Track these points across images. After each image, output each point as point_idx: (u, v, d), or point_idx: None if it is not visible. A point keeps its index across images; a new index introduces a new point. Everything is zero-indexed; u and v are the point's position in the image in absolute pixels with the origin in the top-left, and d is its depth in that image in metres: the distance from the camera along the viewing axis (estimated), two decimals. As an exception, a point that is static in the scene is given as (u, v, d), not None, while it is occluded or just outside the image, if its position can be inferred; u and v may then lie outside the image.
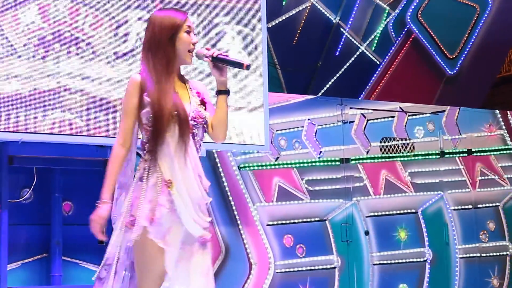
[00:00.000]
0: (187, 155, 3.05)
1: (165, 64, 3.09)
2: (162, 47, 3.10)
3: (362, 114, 6.89)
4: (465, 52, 8.69)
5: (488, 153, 7.58)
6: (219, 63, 3.13)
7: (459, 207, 7.30)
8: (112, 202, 3.08)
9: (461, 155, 7.40)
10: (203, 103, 3.18)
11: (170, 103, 3.02)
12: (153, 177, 3.03)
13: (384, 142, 7.01)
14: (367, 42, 8.08)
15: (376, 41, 8.12)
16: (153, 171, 3.04)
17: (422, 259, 7.01)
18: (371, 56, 8.13)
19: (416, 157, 7.14)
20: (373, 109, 6.98)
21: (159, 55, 3.09)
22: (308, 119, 6.61)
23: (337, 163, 6.70)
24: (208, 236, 3.11)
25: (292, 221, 6.40)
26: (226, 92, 3.13)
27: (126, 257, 3.08)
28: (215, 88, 3.21)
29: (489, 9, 8.70)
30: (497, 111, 7.73)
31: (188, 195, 3.03)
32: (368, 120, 6.91)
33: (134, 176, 3.12)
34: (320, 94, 7.76)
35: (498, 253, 7.47)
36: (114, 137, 5.01)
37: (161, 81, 3.05)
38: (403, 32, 8.28)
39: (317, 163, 6.60)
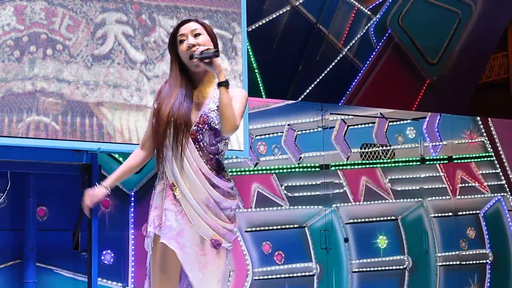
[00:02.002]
0: (187, 159, 3.16)
1: (174, 75, 3.29)
2: (173, 58, 3.33)
3: (342, 119, 6.94)
4: (447, 58, 8.78)
5: (469, 160, 7.66)
6: (205, 58, 3.19)
7: (439, 215, 7.38)
8: (109, 187, 3.30)
9: (441, 162, 7.48)
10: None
11: (167, 110, 3.19)
12: (160, 184, 3.23)
13: (365, 148, 7.07)
14: (348, 47, 8.14)
15: (357, 46, 8.18)
16: (160, 178, 3.24)
17: (401, 267, 7.08)
18: (352, 61, 8.19)
19: (397, 164, 7.21)
20: (353, 115, 7.04)
21: (173, 65, 3.32)
22: (288, 125, 6.65)
23: (317, 169, 6.75)
24: (223, 241, 3.20)
25: (270, 228, 6.44)
26: (224, 83, 3.18)
27: None
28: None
29: (471, 14, 8.79)
30: (478, 118, 7.81)
31: (194, 197, 3.15)
32: (348, 126, 6.96)
33: None
34: (300, 99, 7.82)
35: (478, 261, 7.56)
36: (91, 141, 5.06)
37: (173, 89, 3.25)
38: (385, 37, 8.36)
39: (297, 169, 6.64)
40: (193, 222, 3.14)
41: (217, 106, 3.22)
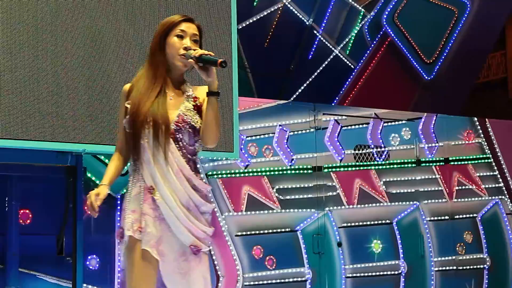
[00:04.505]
0: (167, 160, 3.13)
1: (154, 70, 3.24)
2: (154, 54, 3.26)
3: (335, 120, 6.96)
4: (443, 57, 8.82)
5: (466, 162, 7.70)
6: (201, 62, 3.17)
7: (435, 218, 7.41)
8: (109, 186, 3.24)
9: (437, 164, 7.51)
10: (198, 108, 3.25)
11: (145, 109, 3.15)
12: (137, 186, 3.18)
13: (358, 150, 7.09)
14: (341, 45, 8.17)
15: (350, 45, 8.21)
16: (136, 180, 3.19)
17: (396, 272, 7.10)
18: (346, 60, 8.22)
19: (391, 166, 7.24)
20: (347, 115, 7.06)
21: (150, 63, 3.28)
22: (280, 125, 6.67)
23: (309, 171, 6.77)
24: (202, 247, 3.19)
25: (261, 232, 6.46)
26: (214, 94, 3.18)
27: None
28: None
29: (467, 12, 8.84)
30: (475, 119, 7.85)
31: (174, 200, 3.13)
32: (342, 127, 6.98)
33: None
34: (292, 99, 7.84)
35: (475, 266, 7.59)
36: (76, 143, 5.05)
37: (147, 87, 3.20)
38: (379, 36, 8.39)
39: (289, 171, 6.66)
40: (173, 227, 3.12)
41: (194, 106, 3.23)
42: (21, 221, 5.47)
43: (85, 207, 3.25)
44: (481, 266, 7.63)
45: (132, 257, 3.13)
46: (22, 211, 5.49)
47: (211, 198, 3.33)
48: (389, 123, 7.29)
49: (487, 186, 7.77)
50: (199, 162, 3.34)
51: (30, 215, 5.54)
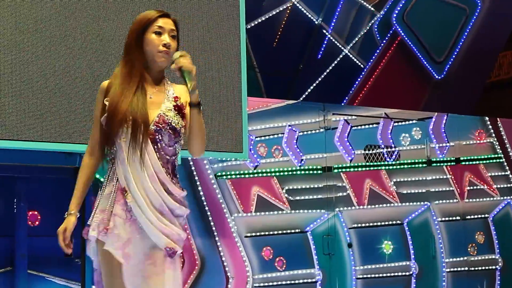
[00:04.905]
0: (143, 161, 3.07)
1: (130, 67, 3.18)
2: (130, 51, 3.20)
3: (345, 120, 6.95)
4: (453, 56, 8.80)
5: (477, 162, 7.67)
6: (181, 74, 3.14)
7: (447, 219, 7.39)
8: (78, 213, 3.18)
9: (448, 164, 7.49)
10: (179, 108, 3.20)
11: (124, 106, 3.09)
12: (110, 186, 3.12)
13: (369, 150, 7.07)
14: (351, 44, 8.15)
15: (360, 44, 8.20)
16: (110, 179, 3.14)
17: (407, 273, 7.08)
18: (355, 60, 8.20)
19: (402, 166, 7.22)
20: (357, 115, 7.05)
21: (126, 60, 3.20)
22: (289, 125, 6.66)
23: (319, 171, 6.76)
24: (176, 248, 3.11)
25: (271, 233, 6.44)
26: (197, 106, 3.15)
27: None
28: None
29: (478, 10, 8.81)
30: (487, 118, 7.82)
31: (147, 204, 3.06)
32: (351, 127, 6.97)
33: None
34: (301, 99, 7.83)
35: (487, 267, 7.56)
36: (84, 144, 5.05)
37: (124, 85, 3.13)
38: (388, 35, 8.37)
39: (298, 172, 6.65)
40: (146, 230, 3.06)
41: (174, 106, 3.17)
42: (29, 222, 5.49)
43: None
44: (493, 267, 7.60)
45: (106, 260, 3.06)
46: (30, 212, 5.51)
47: (187, 203, 3.25)
48: (400, 123, 7.27)
49: (498, 186, 7.75)
50: (177, 164, 3.25)
51: (39, 217, 5.55)
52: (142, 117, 3.09)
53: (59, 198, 5.53)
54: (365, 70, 8.29)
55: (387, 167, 7.13)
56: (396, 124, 7.24)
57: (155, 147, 3.11)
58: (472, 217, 7.56)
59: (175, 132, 3.16)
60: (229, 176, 6.28)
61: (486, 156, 7.74)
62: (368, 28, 8.24)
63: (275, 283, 6.38)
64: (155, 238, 3.06)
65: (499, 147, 7.82)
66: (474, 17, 8.80)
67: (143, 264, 3.05)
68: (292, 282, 6.46)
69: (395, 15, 8.34)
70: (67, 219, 3.16)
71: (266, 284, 6.34)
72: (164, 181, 3.11)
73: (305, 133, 6.72)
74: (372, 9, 8.24)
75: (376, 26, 8.29)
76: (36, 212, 5.54)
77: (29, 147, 4.95)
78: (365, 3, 8.17)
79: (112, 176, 3.13)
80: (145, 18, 3.22)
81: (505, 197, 7.76)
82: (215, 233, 6.14)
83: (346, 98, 8.24)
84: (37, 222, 5.54)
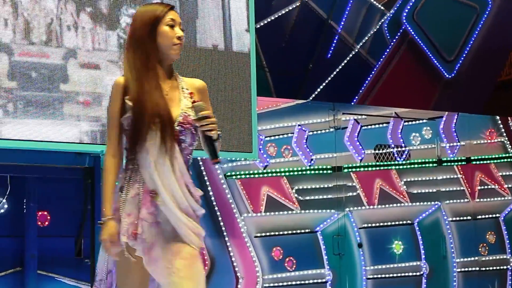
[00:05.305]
0: (171, 163, 3.00)
1: (144, 60, 3.06)
2: (142, 43, 3.07)
3: (355, 119, 6.94)
4: (464, 55, 8.77)
5: (488, 161, 7.65)
6: (204, 138, 3.07)
7: (457, 218, 7.36)
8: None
9: (459, 163, 7.46)
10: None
11: (151, 104, 3.00)
12: (134, 188, 3.00)
13: (379, 150, 7.06)
14: (361, 43, 8.14)
15: (370, 43, 8.18)
16: (134, 181, 3.00)
17: (418, 273, 7.06)
18: (365, 59, 8.19)
19: (412, 166, 7.20)
20: (367, 115, 7.04)
21: (138, 53, 3.07)
22: (299, 125, 6.65)
23: (329, 171, 6.75)
24: (203, 246, 3.12)
25: (281, 233, 6.44)
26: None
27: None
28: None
29: (489, 9, 8.78)
30: (498, 117, 7.80)
31: (175, 206, 3.00)
32: (361, 126, 6.96)
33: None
34: (311, 98, 7.82)
35: (498, 267, 7.54)
36: (94, 144, 5.07)
37: (141, 80, 3.03)
38: (399, 33, 8.35)
39: (308, 172, 6.64)
40: (179, 230, 3.00)
41: (192, 103, 3.09)
42: (39, 223, 5.50)
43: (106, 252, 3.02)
44: (504, 267, 7.58)
45: (127, 264, 2.99)
46: (40, 213, 5.52)
47: (201, 202, 3.20)
48: (410, 122, 7.26)
49: (510, 185, 7.72)
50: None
51: (48, 217, 5.56)
52: (168, 118, 3.01)
53: (68, 198, 5.56)
54: (375, 69, 8.27)
55: (397, 167, 7.11)
56: (406, 123, 7.22)
57: (179, 148, 3.04)
58: (483, 217, 7.53)
59: (196, 131, 3.10)
60: (238, 176, 6.27)
61: (497, 156, 7.71)
62: (378, 27, 8.22)
63: (285, 284, 6.37)
64: (188, 238, 3.02)
65: (510, 146, 7.80)
66: (485, 16, 8.76)
67: (173, 263, 2.98)
68: (302, 282, 6.45)
69: (405, 13, 8.32)
70: (109, 225, 2.98)
71: (276, 284, 6.33)
72: (188, 183, 3.07)
73: (314, 132, 6.71)
74: (382, 8, 8.22)
75: (386, 25, 8.27)
76: (45, 212, 5.56)
77: (39, 147, 4.96)
78: (375, 2, 8.15)
79: (135, 178, 3.01)
80: (157, 11, 3.12)
81: (516, 197, 7.74)
82: (225, 233, 6.14)
83: (356, 97, 8.22)
84: (46, 223, 5.55)
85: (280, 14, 7.63)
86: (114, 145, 3.07)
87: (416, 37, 8.42)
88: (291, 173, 6.54)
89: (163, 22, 3.10)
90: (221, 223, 6.14)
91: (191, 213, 3.07)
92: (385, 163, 7.06)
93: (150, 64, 3.06)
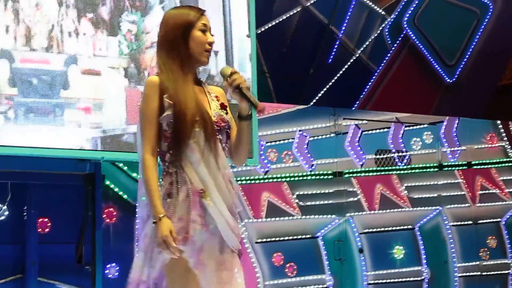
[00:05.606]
0: (217, 161, 3.01)
1: (179, 65, 3.06)
2: (175, 46, 3.08)
3: (356, 125, 6.94)
4: (465, 59, 8.77)
5: (489, 166, 7.65)
6: (239, 93, 3.07)
7: (459, 223, 7.36)
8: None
9: (460, 168, 7.46)
10: (223, 107, 3.15)
11: (192, 105, 3.00)
12: (183, 191, 2.97)
13: (379, 155, 7.06)
14: (362, 48, 8.13)
15: (371, 48, 8.18)
16: (182, 184, 2.98)
17: (419, 278, 7.06)
18: (366, 64, 8.18)
19: (413, 170, 7.20)
20: (367, 120, 7.04)
21: (173, 55, 3.07)
22: (299, 130, 6.65)
23: (330, 176, 6.74)
24: (240, 247, 3.08)
25: (282, 239, 6.44)
26: (248, 118, 3.09)
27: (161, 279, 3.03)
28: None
29: (490, 13, 8.78)
30: (498, 122, 7.80)
31: (223, 204, 2.99)
32: (362, 131, 6.96)
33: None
34: (312, 103, 7.81)
35: (499, 272, 7.54)
36: (95, 150, 5.06)
37: (179, 81, 3.03)
38: (400, 38, 8.35)
39: (309, 177, 6.64)
40: (223, 232, 2.98)
41: (220, 105, 3.12)
42: (40, 229, 5.49)
43: (164, 249, 2.91)
44: (506, 272, 7.58)
45: (180, 269, 2.94)
46: (41, 219, 5.51)
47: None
48: (411, 127, 7.26)
49: (511, 190, 7.72)
50: None
51: (49, 224, 5.56)
52: (209, 117, 3.02)
53: (69, 205, 5.55)
54: (376, 74, 8.27)
55: (398, 172, 7.11)
56: (407, 128, 7.22)
57: (222, 146, 3.06)
58: (484, 221, 7.53)
59: (229, 130, 3.12)
60: (239, 182, 6.25)
61: (498, 160, 7.72)
62: (378, 31, 8.22)
63: (286, 289, 6.38)
64: (230, 240, 3.00)
65: (511, 151, 7.79)
66: (486, 20, 8.76)
67: (218, 271, 2.97)
68: (303, 288, 6.45)
69: (406, 18, 8.32)
70: (165, 223, 2.89)
71: (277, 290, 6.33)
72: (231, 180, 3.07)
73: (315, 138, 6.71)
74: (383, 12, 8.22)
75: (387, 30, 8.27)
76: (46, 219, 5.55)
77: (39, 153, 4.96)
78: (375, 7, 8.15)
79: (181, 180, 2.98)
80: (190, 15, 3.11)
81: (517, 201, 7.74)
82: (226, 239, 6.12)
83: (357, 102, 8.22)
84: (47, 229, 5.55)
85: (281, 19, 7.62)
86: (152, 143, 3.02)
87: (417, 42, 8.42)
88: (292, 179, 6.54)
89: (196, 26, 3.10)
90: (222, 229, 6.12)
91: (233, 210, 3.06)
92: (386, 168, 7.05)
93: (185, 68, 3.07)
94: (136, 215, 5.76)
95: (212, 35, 3.16)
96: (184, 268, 2.95)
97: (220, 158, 3.03)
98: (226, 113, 3.14)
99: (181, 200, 2.96)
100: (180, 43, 3.08)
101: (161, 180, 3.02)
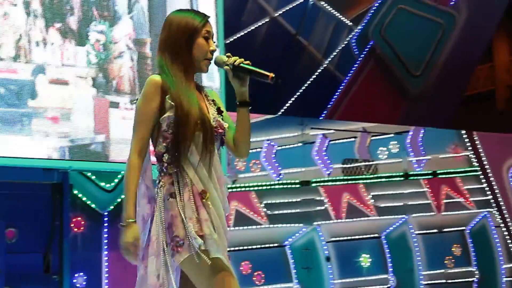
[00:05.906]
0: (211, 165, 2.98)
1: (182, 71, 3.01)
2: (178, 51, 3.03)
3: (323, 134, 6.99)
4: (431, 70, 8.86)
5: (454, 175, 7.73)
6: (241, 72, 3.02)
7: (424, 232, 7.43)
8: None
9: (426, 177, 7.54)
10: (219, 112, 3.09)
11: (196, 109, 2.95)
12: (186, 192, 2.93)
13: (346, 164, 7.11)
14: (329, 59, 8.19)
15: (338, 58, 8.24)
16: (183, 184, 2.94)
17: (385, 286, 7.11)
18: (333, 74, 8.24)
19: (379, 180, 7.26)
20: (335, 129, 7.09)
21: (177, 62, 3.03)
22: (267, 140, 6.68)
23: (297, 185, 6.78)
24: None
25: (249, 247, 6.45)
26: (248, 104, 3.07)
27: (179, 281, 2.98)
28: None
29: (455, 25, 8.89)
30: (463, 132, 7.90)
31: (221, 207, 2.97)
32: (329, 141, 7.00)
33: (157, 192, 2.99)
34: (279, 113, 7.85)
35: (464, 279, 7.61)
36: (62, 159, 5.06)
37: (182, 86, 2.98)
38: (366, 49, 8.42)
39: (277, 186, 6.67)
40: (223, 234, 2.96)
41: (219, 113, 3.06)
42: (7, 239, 5.46)
43: (123, 254, 2.87)
44: (470, 279, 7.65)
45: (210, 271, 2.89)
46: (8, 229, 5.47)
47: None
48: (377, 137, 7.32)
49: (475, 198, 7.80)
50: None
51: (16, 233, 5.52)
52: (209, 121, 2.98)
53: (36, 214, 5.53)
54: (343, 84, 8.34)
55: (364, 181, 7.17)
56: (373, 138, 7.28)
57: (216, 152, 3.02)
58: (449, 229, 7.61)
59: (224, 137, 3.06)
60: (207, 191, 6.27)
61: (462, 169, 7.80)
62: (346, 42, 8.29)
63: (253, 298, 6.39)
64: (225, 242, 2.98)
65: (475, 160, 7.88)
66: (451, 32, 8.87)
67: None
68: (271, 296, 6.47)
69: (372, 29, 8.40)
70: (131, 228, 2.86)
71: (245, 298, 6.35)
72: (224, 183, 3.03)
73: (283, 147, 6.75)
74: (350, 23, 8.29)
75: (354, 41, 8.34)
76: (13, 229, 5.52)
77: (6, 163, 4.95)
78: (343, 18, 8.22)
79: (183, 181, 2.94)
80: (195, 21, 3.06)
81: (481, 210, 7.82)
82: (194, 248, 6.13)
83: (325, 112, 8.28)
84: (14, 239, 5.51)
85: (249, 29, 7.66)
86: (142, 143, 2.98)
87: (384, 53, 8.50)
88: (260, 188, 6.57)
89: (201, 32, 3.05)
90: (190, 238, 6.13)
91: (224, 215, 3.03)
92: (353, 177, 7.11)
93: (187, 75, 3.02)
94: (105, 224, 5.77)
95: (214, 42, 3.11)
96: (213, 268, 2.89)
97: (215, 163, 3.00)
98: (222, 118, 3.09)
99: (186, 200, 2.92)
100: (184, 49, 3.03)
101: (159, 180, 2.98)
